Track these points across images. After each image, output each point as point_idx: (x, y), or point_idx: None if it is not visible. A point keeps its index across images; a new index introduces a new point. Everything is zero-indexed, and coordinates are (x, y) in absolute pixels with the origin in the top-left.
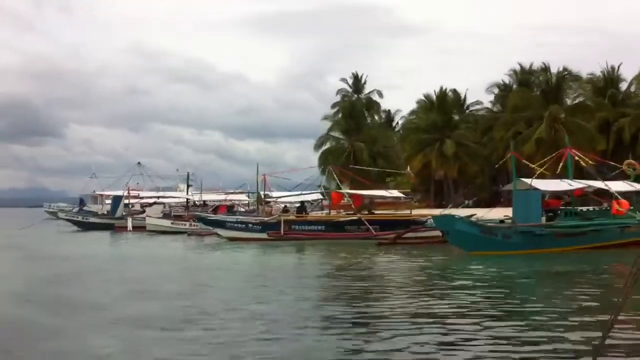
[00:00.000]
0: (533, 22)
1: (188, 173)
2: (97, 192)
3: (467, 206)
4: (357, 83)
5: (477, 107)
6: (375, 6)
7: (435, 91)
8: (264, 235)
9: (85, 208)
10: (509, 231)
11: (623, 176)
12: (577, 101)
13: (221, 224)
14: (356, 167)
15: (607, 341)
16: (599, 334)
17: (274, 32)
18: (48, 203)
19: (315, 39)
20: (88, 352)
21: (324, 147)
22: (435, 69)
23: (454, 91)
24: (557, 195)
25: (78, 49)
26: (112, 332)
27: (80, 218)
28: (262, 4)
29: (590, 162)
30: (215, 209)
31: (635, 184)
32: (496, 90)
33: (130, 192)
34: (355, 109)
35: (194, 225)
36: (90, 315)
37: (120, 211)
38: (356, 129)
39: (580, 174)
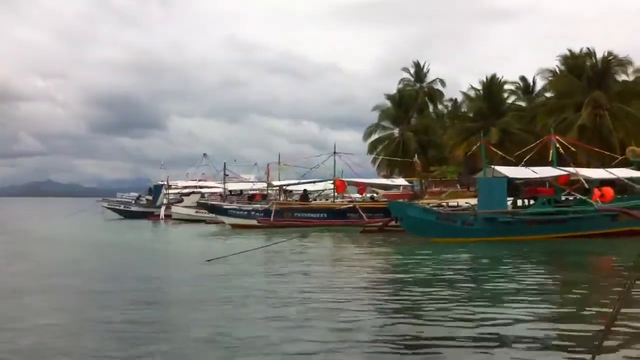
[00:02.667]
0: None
1: (225, 163)
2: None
3: None
4: (419, 72)
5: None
6: None
7: (486, 77)
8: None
9: (147, 197)
10: (470, 218)
11: (626, 163)
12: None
13: (225, 212)
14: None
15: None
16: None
17: (367, 22)
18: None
19: (409, 27)
20: None
21: (373, 137)
22: (531, 54)
23: (523, 78)
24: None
25: (178, 42)
26: None
27: (122, 207)
28: None
29: (572, 149)
30: (251, 198)
31: (614, 171)
32: (549, 76)
33: (170, 182)
34: (404, 98)
35: None
36: None
37: (160, 200)
38: (406, 118)
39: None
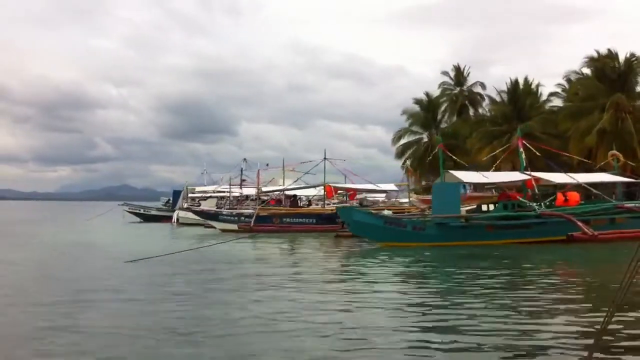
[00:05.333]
0: None
1: (241, 169)
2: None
3: None
4: (459, 75)
5: None
6: None
7: (510, 80)
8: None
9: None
10: (421, 223)
11: (608, 168)
12: None
13: (215, 217)
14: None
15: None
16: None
17: (432, 24)
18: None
19: (475, 29)
20: None
21: (402, 141)
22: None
23: (568, 79)
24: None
25: (245, 48)
26: None
27: (141, 210)
28: None
29: (538, 153)
30: (266, 203)
31: (576, 176)
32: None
33: (189, 187)
34: (432, 103)
35: None
36: None
37: (179, 204)
38: (434, 122)
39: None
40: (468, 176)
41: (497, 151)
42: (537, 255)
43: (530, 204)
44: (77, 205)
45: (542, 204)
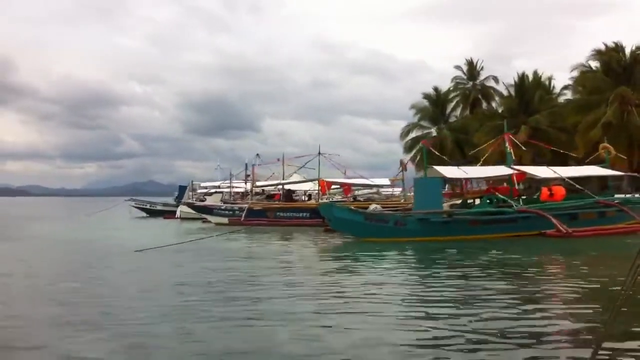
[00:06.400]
0: None
1: (246, 164)
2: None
3: None
4: (472, 70)
5: None
6: None
7: (517, 74)
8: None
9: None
10: (402, 218)
11: (599, 160)
12: None
13: (209, 211)
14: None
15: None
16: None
17: (454, 18)
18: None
19: (498, 23)
20: None
21: (411, 136)
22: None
23: (581, 72)
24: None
25: (268, 45)
26: None
27: (147, 205)
28: None
29: (524, 148)
30: (271, 197)
31: (558, 170)
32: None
33: (195, 182)
34: (441, 98)
35: None
36: None
37: (185, 199)
38: (443, 117)
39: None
40: (450, 171)
41: (484, 145)
42: (517, 249)
43: (510, 199)
44: (101, 201)
45: (520, 199)
